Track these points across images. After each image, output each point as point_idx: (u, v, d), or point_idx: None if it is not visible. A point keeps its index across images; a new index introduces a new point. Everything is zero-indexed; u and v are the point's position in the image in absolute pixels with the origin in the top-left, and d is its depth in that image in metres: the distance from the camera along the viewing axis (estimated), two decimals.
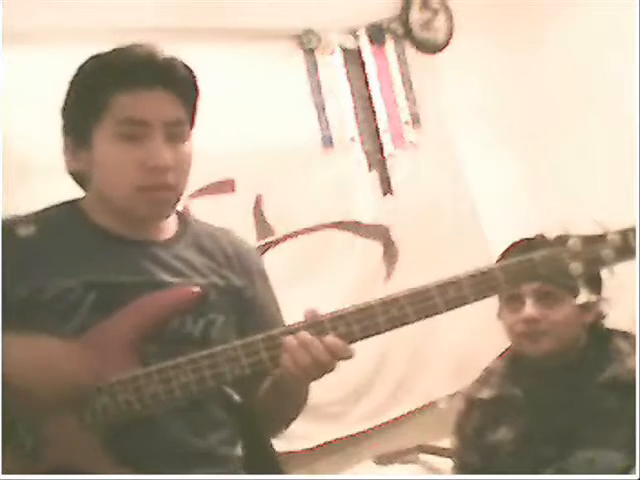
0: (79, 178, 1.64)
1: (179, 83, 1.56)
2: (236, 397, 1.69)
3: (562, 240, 1.51)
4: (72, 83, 1.58)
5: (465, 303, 1.48)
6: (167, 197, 1.58)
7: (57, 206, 1.65)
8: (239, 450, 1.66)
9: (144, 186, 1.54)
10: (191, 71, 1.59)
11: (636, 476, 1.94)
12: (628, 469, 1.97)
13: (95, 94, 1.54)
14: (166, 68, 1.55)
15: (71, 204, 1.64)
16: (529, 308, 2.15)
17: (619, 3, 3.49)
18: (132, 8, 3.00)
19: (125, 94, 1.53)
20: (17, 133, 2.80)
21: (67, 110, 1.59)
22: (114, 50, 1.56)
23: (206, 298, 1.58)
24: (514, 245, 2.15)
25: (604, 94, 3.55)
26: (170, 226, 1.66)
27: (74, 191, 1.66)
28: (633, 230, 1.49)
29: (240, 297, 1.66)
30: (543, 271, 1.49)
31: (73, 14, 2.91)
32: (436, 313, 1.48)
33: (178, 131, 1.57)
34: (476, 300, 1.48)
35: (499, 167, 3.91)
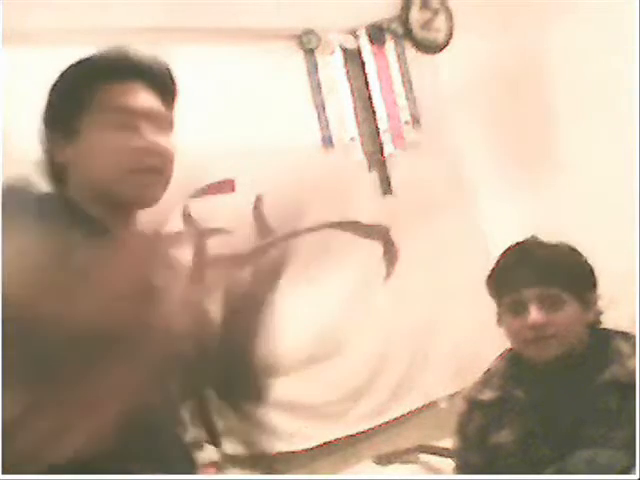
0: (57, 172, 1.65)
1: (158, 79, 1.62)
2: None
3: None
4: (55, 86, 1.62)
5: None
6: (157, 180, 1.62)
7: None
8: None
9: (135, 169, 1.58)
10: (169, 69, 1.65)
11: (636, 476, 1.94)
12: (628, 469, 1.97)
13: (81, 88, 1.59)
14: (144, 64, 1.61)
15: (59, 197, 1.63)
16: (534, 314, 2.12)
17: (619, 3, 3.50)
18: (132, 8, 3.00)
19: (110, 85, 1.59)
20: (17, 133, 2.80)
21: (51, 109, 1.63)
22: (93, 54, 1.61)
23: None
24: (510, 249, 2.15)
25: (604, 94, 3.55)
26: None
27: None
28: None
29: None
30: None
31: (73, 14, 2.91)
32: None
33: (162, 122, 1.62)
34: None
35: (499, 167, 3.90)
